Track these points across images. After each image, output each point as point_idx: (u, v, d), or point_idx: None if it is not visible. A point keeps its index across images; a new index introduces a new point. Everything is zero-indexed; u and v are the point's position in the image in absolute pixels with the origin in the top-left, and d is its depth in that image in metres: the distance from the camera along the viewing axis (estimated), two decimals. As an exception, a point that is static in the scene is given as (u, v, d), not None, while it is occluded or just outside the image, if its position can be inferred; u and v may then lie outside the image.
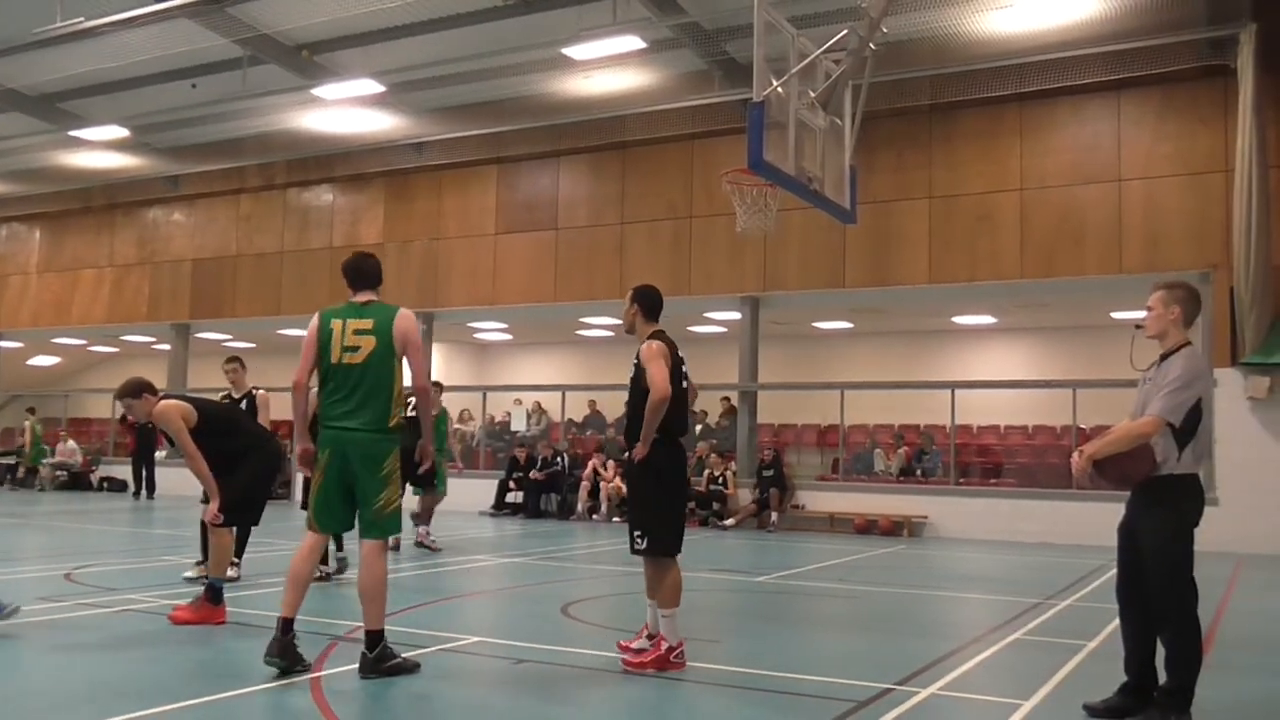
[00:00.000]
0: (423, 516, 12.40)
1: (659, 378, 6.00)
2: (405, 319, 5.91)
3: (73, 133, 20.21)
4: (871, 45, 8.97)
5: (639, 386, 6.21)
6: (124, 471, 23.61)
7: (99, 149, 21.46)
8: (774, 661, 6.50)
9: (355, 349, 5.81)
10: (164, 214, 24.58)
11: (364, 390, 5.80)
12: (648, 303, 6.43)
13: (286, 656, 5.68)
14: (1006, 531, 15.99)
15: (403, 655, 5.86)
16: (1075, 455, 5.19)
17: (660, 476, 6.20)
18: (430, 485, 11.94)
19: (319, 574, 8.98)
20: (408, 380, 6.00)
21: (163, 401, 7.37)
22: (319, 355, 5.91)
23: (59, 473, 24.04)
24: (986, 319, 20.83)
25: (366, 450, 5.76)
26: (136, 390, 7.36)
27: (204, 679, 5.68)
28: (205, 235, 23.92)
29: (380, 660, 5.72)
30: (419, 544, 12.23)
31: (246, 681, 5.53)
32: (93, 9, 14.62)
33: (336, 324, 5.89)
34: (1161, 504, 5.10)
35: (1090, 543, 14.43)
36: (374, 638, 5.73)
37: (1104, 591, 9.38)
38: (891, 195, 16.98)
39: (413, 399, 9.67)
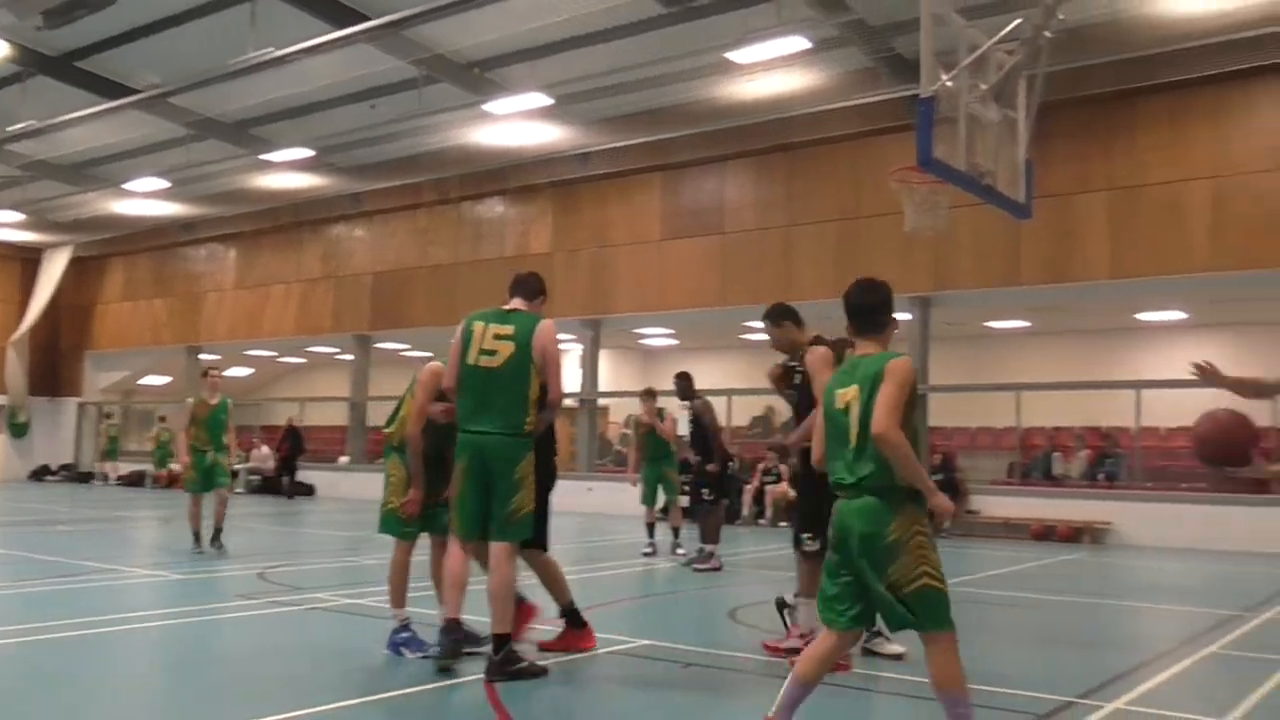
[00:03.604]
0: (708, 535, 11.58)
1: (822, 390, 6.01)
2: (547, 329, 5.87)
3: (263, 156, 21.37)
4: (1047, 33, 8.65)
5: (806, 394, 6.18)
6: (313, 476, 24.99)
7: (286, 170, 22.62)
8: (948, 671, 6.31)
9: (493, 353, 5.81)
10: (346, 230, 25.78)
11: (497, 394, 5.77)
12: (795, 316, 6.63)
13: (457, 657, 5.85)
14: (1198, 539, 15.08)
15: (530, 660, 5.84)
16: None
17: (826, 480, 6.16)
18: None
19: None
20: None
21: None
22: (459, 358, 5.92)
23: (252, 477, 25.87)
24: (1176, 315, 19.72)
25: (501, 453, 5.74)
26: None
27: (383, 675, 5.91)
28: (385, 249, 24.96)
29: (505, 663, 5.67)
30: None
31: (422, 680, 5.72)
32: (280, 39, 15.47)
33: (478, 326, 5.91)
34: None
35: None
36: (500, 640, 5.67)
37: (1311, 605, 8.74)
38: (1070, 188, 16.24)
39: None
